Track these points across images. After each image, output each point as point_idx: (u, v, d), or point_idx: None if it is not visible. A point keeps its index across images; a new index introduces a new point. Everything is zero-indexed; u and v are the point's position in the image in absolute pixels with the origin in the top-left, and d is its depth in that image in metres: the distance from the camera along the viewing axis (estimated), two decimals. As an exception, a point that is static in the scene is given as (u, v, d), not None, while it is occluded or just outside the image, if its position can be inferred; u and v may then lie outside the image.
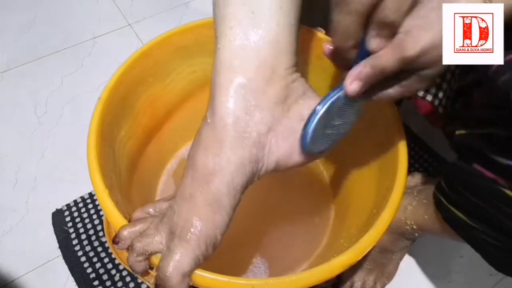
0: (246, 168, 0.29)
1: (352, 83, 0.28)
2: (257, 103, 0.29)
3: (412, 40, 0.25)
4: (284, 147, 0.31)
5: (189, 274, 0.28)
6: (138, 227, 0.31)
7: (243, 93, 0.29)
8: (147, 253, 0.29)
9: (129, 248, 0.30)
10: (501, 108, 0.31)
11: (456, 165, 0.36)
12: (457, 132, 0.35)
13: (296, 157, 0.31)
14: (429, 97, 0.56)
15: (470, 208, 0.36)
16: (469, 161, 0.34)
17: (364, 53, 0.28)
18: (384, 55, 0.26)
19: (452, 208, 0.38)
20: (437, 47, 0.26)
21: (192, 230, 0.28)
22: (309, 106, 0.31)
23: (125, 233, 0.31)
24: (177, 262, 0.27)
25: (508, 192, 0.31)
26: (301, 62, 0.48)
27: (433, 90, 0.54)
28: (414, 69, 0.27)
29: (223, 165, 0.28)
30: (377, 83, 0.28)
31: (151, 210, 0.33)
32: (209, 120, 0.29)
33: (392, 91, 0.29)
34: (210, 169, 0.28)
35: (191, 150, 0.30)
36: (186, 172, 0.30)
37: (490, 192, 0.32)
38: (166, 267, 0.27)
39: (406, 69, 0.27)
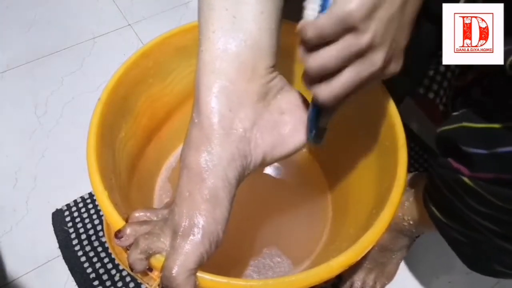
0: (237, 163, 0.30)
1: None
2: (240, 101, 0.30)
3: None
4: (269, 140, 0.32)
5: (194, 272, 0.28)
6: (144, 227, 0.31)
7: (226, 92, 0.30)
8: (150, 251, 0.29)
9: (132, 246, 0.30)
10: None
11: (436, 161, 0.37)
12: (438, 130, 0.37)
13: (281, 149, 0.33)
14: (431, 95, 0.56)
15: (444, 204, 0.37)
16: (446, 155, 0.36)
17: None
18: (322, 18, 0.27)
19: (432, 207, 0.40)
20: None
21: (194, 227, 0.28)
22: (288, 99, 0.33)
23: (129, 230, 0.31)
24: (182, 260, 0.28)
25: (466, 180, 0.33)
26: (293, 61, 0.48)
27: (434, 88, 0.55)
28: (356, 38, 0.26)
29: (215, 162, 0.29)
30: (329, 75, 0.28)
31: (153, 217, 0.34)
32: (196, 120, 0.31)
33: (345, 78, 0.27)
34: (204, 167, 0.29)
35: (182, 152, 0.32)
36: (181, 173, 0.31)
37: (455, 182, 0.34)
38: (171, 265, 0.28)
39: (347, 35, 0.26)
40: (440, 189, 0.37)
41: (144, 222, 0.32)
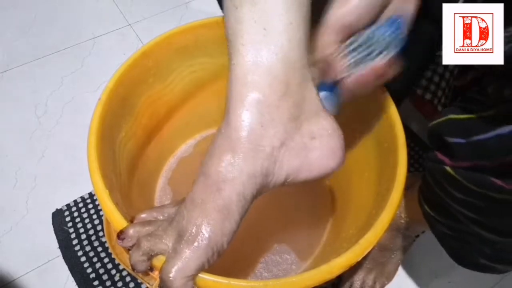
0: (257, 180, 0.30)
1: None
2: (272, 117, 0.30)
3: None
4: (295, 163, 0.31)
5: (192, 278, 0.28)
6: (146, 228, 0.31)
7: (258, 107, 0.29)
8: (152, 253, 0.29)
9: (134, 247, 0.30)
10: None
11: (426, 155, 0.38)
12: (429, 125, 0.38)
13: (305, 173, 0.32)
14: (428, 96, 0.56)
15: (432, 197, 0.38)
16: (435, 149, 0.36)
17: None
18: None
19: (423, 203, 0.40)
20: None
21: (200, 235, 0.28)
22: (321, 126, 0.32)
23: (131, 231, 0.31)
24: (182, 265, 0.28)
25: (448, 169, 0.33)
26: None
27: (432, 89, 0.55)
28: None
29: (235, 175, 0.29)
30: None
31: (159, 216, 0.33)
32: (223, 131, 0.30)
33: None
34: (222, 177, 0.29)
35: (204, 159, 0.31)
36: (197, 179, 0.30)
37: (439, 173, 0.35)
38: (170, 269, 0.28)
39: None
40: (429, 183, 0.38)
41: (147, 223, 0.32)
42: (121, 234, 0.31)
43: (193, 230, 0.28)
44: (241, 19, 0.29)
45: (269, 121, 0.29)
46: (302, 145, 0.31)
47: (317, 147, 0.32)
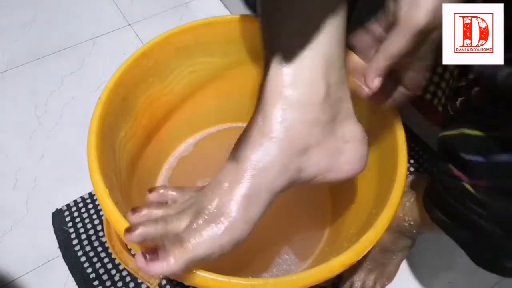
0: (288, 174, 0.30)
1: (374, 81, 0.32)
2: (312, 116, 0.30)
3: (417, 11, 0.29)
4: (326, 163, 0.32)
5: (195, 264, 0.28)
6: (161, 210, 0.31)
7: (298, 105, 0.29)
8: (165, 234, 0.29)
9: (150, 221, 0.30)
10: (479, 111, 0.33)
11: (436, 166, 0.37)
12: (440, 134, 0.37)
13: (333, 175, 0.33)
14: (428, 96, 0.56)
15: (446, 207, 0.37)
16: (446, 160, 0.36)
17: None
18: (395, 40, 0.30)
19: (434, 209, 0.40)
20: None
21: (221, 217, 0.28)
22: (353, 131, 0.33)
23: (145, 211, 0.32)
24: (193, 245, 0.27)
25: (468, 186, 0.33)
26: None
27: (431, 89, 0.55)
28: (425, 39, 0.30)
29: (268, 165, 0.29)
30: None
31: (179, 198, 0.33)
32: (261, 123, 0.30)
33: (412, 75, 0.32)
34: (254, 165, 0.29)
35: (236, 145, 0.31)
36: (228, 164, 0.30)
37: (457, 188, 0.34)
38: (175, 249, 0.27)
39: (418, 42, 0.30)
40: (441, 193, 0.37)
41: (161, 205, 0.32)
42: (133, 211, 0.31)
43: (215, 212, 0.28)
44: (282, 21, 0.29)
45: (309, 119, 0.30)
46: (335, 147, 0.32)
47: (348, 151, 0.33)
